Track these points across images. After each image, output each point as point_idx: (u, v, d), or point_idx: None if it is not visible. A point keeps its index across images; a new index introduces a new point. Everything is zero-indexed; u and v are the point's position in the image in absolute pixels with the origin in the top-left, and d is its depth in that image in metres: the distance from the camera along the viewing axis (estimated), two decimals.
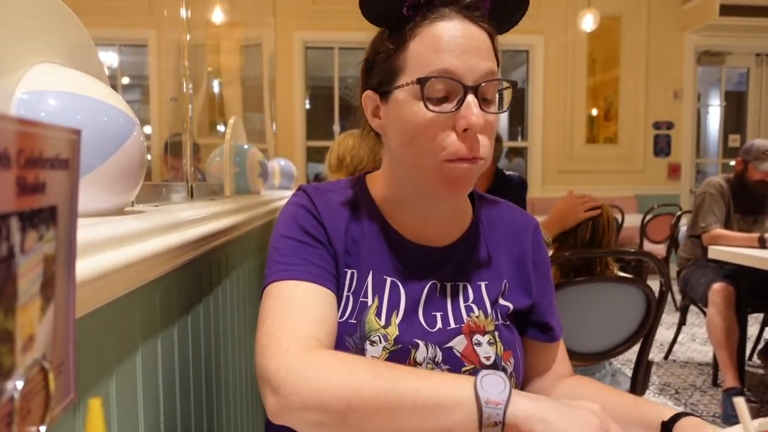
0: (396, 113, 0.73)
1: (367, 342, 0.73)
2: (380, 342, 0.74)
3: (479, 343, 0.76)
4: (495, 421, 0.55)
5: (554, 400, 0.60)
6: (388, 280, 0.78)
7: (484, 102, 0.71)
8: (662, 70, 6.09)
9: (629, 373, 1.70)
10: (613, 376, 1.77)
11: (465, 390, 0.58)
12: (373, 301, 0.76)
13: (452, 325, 0.77)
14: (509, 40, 6.53)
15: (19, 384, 0.26)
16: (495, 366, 0.76)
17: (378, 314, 0.75)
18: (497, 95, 0.74)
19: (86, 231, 0.52)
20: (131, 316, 0.65)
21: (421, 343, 0.75)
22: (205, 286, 0.99)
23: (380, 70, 0.75)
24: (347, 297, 0.77)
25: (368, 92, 0.78)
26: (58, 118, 0.56)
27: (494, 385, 0.57)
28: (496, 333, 0.78)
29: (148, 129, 2.03)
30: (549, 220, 1.70)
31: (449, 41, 0.69)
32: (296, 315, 0.69)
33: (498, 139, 2.63)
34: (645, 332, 1.60)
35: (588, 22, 5.09)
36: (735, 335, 2.49)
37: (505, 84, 0.75)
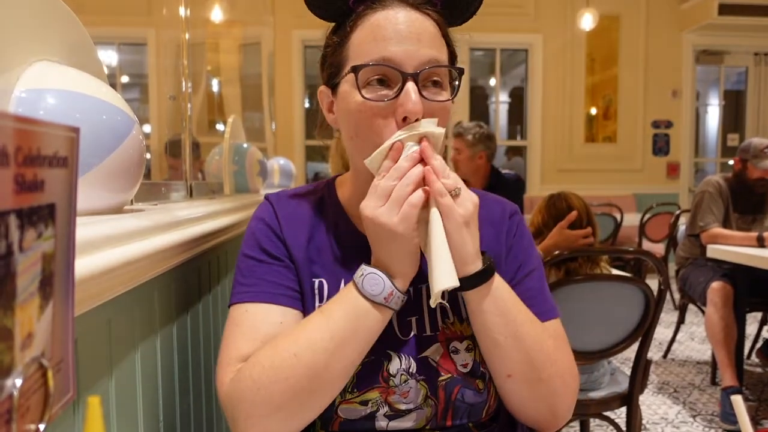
0: (342, 105, 0.72)
1: None
2: None
3: (456, 351, 0.74)
4: (386, 297, 0.66)
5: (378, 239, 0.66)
6: None
7: (429, 89, 0.69)
8: (661, 69, 6.09)
9: (628, 371, 1.70)
10: (611, 375, 1.77)
11: (359, 302, 0.66)
12: None
13: (428, 332, 0.74)
14: (508, 39, 6.54)
15: (18, 381, 0.26)
16: (473, 373, 0.73)
17: None
18: (450, 85, 0.72)
19: (85, 229, 0.52)
20: (130, 314, 0.65)
21: (394, 355, 0.72)
22: (204, 284, 0.99)
23: (329, 64, 0.74)
24: (318, 308, 0.74)
25: (322, 87, 0.77)
26: (56, 117, 0.56)
27: (373, 285, 0.66)
28: (475, 338, 0.74)
29: (147, 128, 2.02)
30: (546, 247, 1.77)
31: (388, 29, 0.68)
32: (238, 341, 0.70)
33: (490, 137, 2.61)
34: (644, 331, 1.60)
35: (587, 21, 5.09)
36: (733, 334, 2.49)
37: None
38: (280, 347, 0.66)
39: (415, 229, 0.66)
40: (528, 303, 0.76)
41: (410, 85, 0.66)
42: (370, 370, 0.71)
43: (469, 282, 0.67)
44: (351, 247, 0.78)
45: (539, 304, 0.78)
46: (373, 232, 0.66)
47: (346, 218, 0.80)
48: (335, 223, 0.79)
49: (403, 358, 0.72)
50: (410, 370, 0.72)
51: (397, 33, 0.67)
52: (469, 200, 0.67)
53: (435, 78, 0.69)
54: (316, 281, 0.76)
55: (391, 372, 0.71)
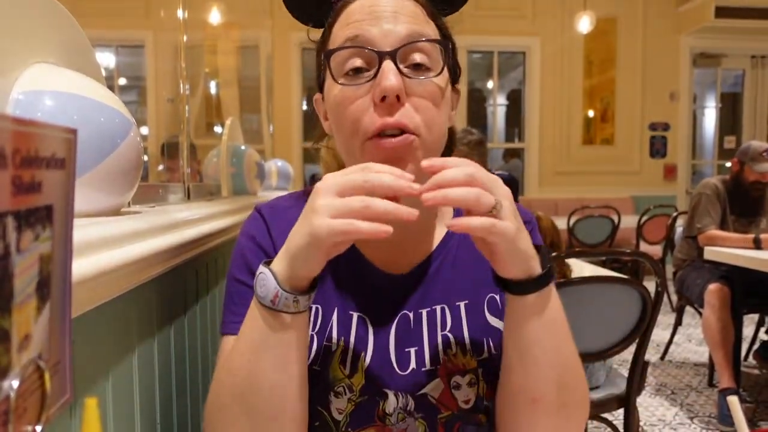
0: (327, 104, 0.67)
1: (332, 393, 0.66)
2: (345, 393, 0.66)
3: (458, 386, 0.67)
4: (272, 299, 0.55)
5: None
6: (355, 316, 0.69)
7: (413, 68, 0.62)
8: (658, 72, 6.11)
9: (625, 373, 1.70)
10: (608, 376, 1.78)
11: (256, 308, 0.57)
12: (338, 345, 0.68)
13: (428, 366, 0.67)
14: (505, 41, 6.55)
15: (15, 383, 0.26)
16: (476, 408, 0.67)
17: (343, 361, 0.67)
18: (443, 63, 0.64)
19: (82, 231, 0.52)
20: (128, 316, 0.65)
21: (390, 393, 0.66)
22: (202, 286, 0.99)
23: (317, 66, 0.71)
24: (311, 336, 0.68)
25: (317, 95, 0.73)
26: (54, 119, 0.56)
27: (261, 286, 0.56)
28: (480, 370, 0.68)
29: (145, 130, 2.02)
30: None
31: (362, 11, 0.63)
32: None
33: (481, 143, 2.61)
34: (641, 333, 1.60)
35: (584, 23, 5.11)
36: (730, 336, 2.50)
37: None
38: (219, 384, 0.63)
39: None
40: None
41: (387, 64, 0.60)
42: (364, 410, 0.66)
43: (535, 285, 0.56)
44: (350, 271, 0.70)
45: None
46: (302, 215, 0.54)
47: None
48: None
49: (400, 396, 0.67)
50: (408, 408, 0.67)
51: (371, 13, 0.62)
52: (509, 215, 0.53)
53: (421, 55, 0.62)
54: (313, 307, 0.69)
55: (387, 411, 0.66)
